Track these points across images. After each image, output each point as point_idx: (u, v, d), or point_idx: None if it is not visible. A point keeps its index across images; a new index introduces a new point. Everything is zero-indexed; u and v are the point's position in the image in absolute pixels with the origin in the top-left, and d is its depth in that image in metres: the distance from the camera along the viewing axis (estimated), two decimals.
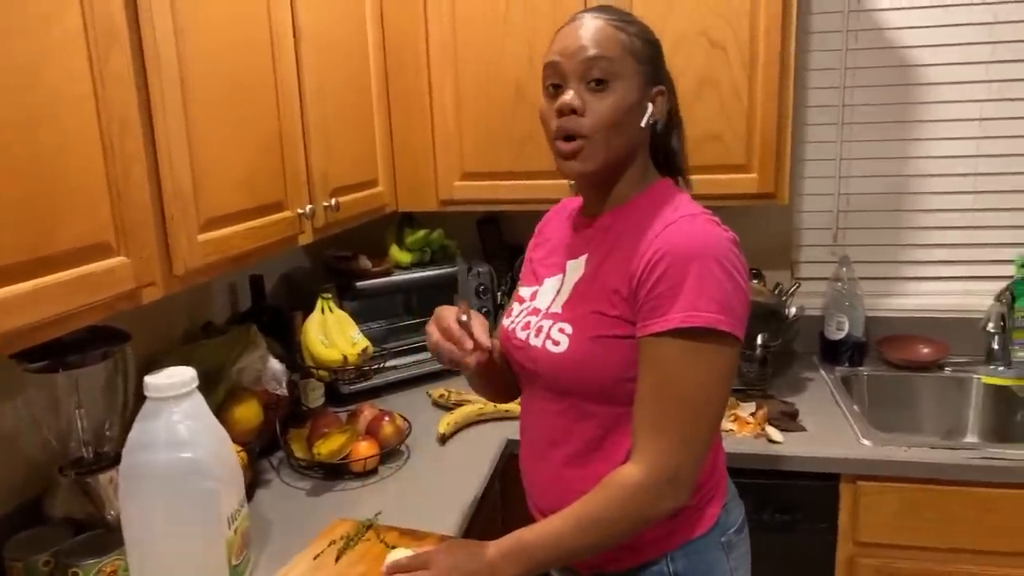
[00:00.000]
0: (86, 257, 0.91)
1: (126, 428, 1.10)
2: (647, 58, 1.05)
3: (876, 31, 2.01)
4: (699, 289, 0.94)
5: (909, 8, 1.98)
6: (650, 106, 1.06)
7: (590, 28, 1.03)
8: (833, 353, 2.06)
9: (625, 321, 1.01)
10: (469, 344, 1.06)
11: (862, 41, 2.02)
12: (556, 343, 1.06)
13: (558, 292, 1.12)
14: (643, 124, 1.05)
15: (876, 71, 2.03)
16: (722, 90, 1.73)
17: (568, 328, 1.06)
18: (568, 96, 1.02)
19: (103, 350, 1.15)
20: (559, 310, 1.09)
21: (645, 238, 1.01)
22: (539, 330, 1.10)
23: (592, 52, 1.01)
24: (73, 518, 1.17)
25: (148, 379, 1.07)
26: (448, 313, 1.11)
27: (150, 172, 1.03)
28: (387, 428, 1.60)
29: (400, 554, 1.10)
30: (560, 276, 1.13)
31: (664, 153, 1.14)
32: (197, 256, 1.12)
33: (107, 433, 1.21)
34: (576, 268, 1.11)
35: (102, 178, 0.93)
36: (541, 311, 1.13)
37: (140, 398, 1.09)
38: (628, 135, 1.05)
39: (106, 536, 1.11)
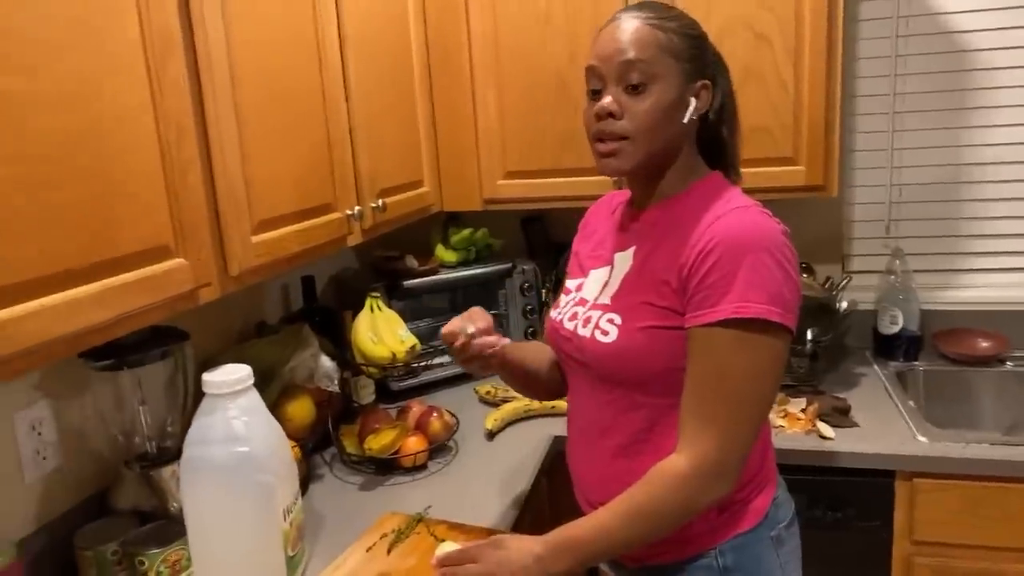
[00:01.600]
0: (147, 259, 0.95)
1: (186, 424, 1.14)
2: (688, 54, 1.04)
3: (928, 16, 1.96)
4: (750, 280, 0.95)
5: None
6: (693, 101, 1.05)
7: (627, 30, 1.03)
8: (887, 348, 2.01)
9: (674, 312, 1.02)
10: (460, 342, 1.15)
11: (913, 27, 1.97)
12: (605, 333, 1.07)
13: (606, 283, 1.13)
14: (685, 120, 1.05)
15: (928, 58, 1.97)
16: (768, 82, 1.71)
17: (617, 319, 1.07)
18: (606, 101, 1.03)
19: (163, 349, 1.19)
20: (608, 301, 1.10)
21: (696, 230, 1.01)
22: (587, 320, 1.11)
23: (628, 56, 1.02)
24: (139, 509, 1.22)
25: (206, 376, 1.11)
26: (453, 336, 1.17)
27: (205, 176, 1.07)
28: (436, 424, 1.62)
29: (449, 547, 1.12)
30: (608, 268, 1.14)
31: (715, 144, 1.13)
32: (251, 257, 1.15)
33: (168, 429, 1.25)
34: (624, 260, 1.12)
35: (161, 183, 0.98)
36: (588, 302, 1.14)
37: (199, 395, 1.14)
38: (668, 133, 1.05)
39: (169, 527, 1.15)
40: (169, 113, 0.98)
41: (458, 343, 1.15)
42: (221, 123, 1.09)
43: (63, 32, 0.82)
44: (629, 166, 1.05)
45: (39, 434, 1.19)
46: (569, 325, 1.15)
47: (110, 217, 0.89)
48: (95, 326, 0.87)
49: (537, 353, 1.32)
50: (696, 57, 1.06)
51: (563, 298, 1.21)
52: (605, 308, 1.10)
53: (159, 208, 0.97)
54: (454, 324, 1.17)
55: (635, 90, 1.02)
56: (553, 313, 1.21)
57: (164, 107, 0.97)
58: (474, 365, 1.20)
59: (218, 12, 1.08)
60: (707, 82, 1.07)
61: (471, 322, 1.17)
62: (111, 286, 0.89)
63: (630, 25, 1.03)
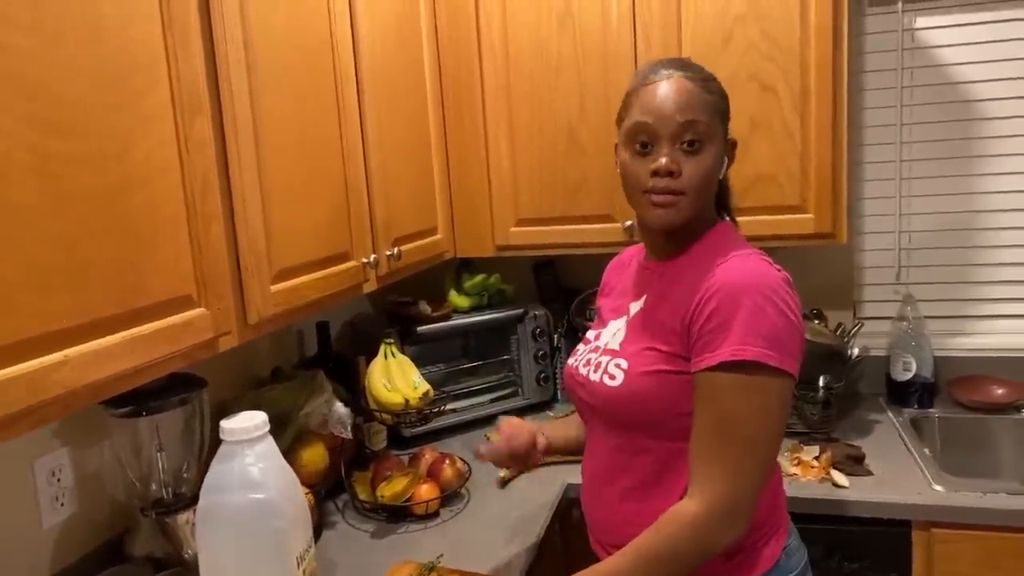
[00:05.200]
0: (170, 309, 0.98)
1: (202, 469, 1.16)
2: (726, 115, 1.10)
3: (932, 68, 1.99)
4: (748, 324, 0.97)
5: (965, 44, 1.96)
6: (726, 159, 1.10)
7: (682, 91, 1.05)
8: (900, 395, 2.00)
9: (679, 357, 1.04)
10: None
11: (918, 78, 2.01)
12: (612, 377, 1.10)
13: (619, 331, 1.16)
14: (721, 177, 1.10)
15: (934, 107, 2.01)
16: (774, 132, 1.74)
17: (624, 363, 1.09)
18: (665, 160, 1.05)
19: (182, 396, 1.21)
20: (616, 347, 1.13)
21: (699, 278, 1.04)
22: (598, 365, 1.14)
23: (687, 117, 1.05)
24: (153, 556, 1.23)
25: (224, 423, 1.12)
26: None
27: (227, 228, 1.11)
28: (448, 471, 1.63)
29: None
30: (624, 318, 1.17)
31: (720, 192, 1.17)
32: (269, 306, 1.18)
33: (184, 475, 1.27)
34: (636, 308, 1.15)
35: (185, 235, 1.01)
36: (601, 348, 1.17)
37: (215, 441, 1.15)
38: (713, 190, 1.10)
39: (184, 574, 1.16)
40: (195, 169, 1.02)
41: (502, 464, 1.30)
42: (244, 176, 1.13)
43: (99, 93, 0.86)
44: (682, 220, 1.08)
45: (58, 480, 1.21)
46: (583, 371, 1.18)
47: (137, 269, 0.92)
48: (119, 375, 0.89)
49: (580, 425, 1.35)
50: (728, 116, 1.11)
51: (580, 347, 1.25)
52: (614, 353, 1.13)
53: (183, 259, 1.00)
54: (491, 449, 1.31)
55: (690, 147, 1.05)
56: (570, 360, 1.24)
57: (190, 163, 1.01)
58: (527, 466, 1.36)
59: (244, 74, 1.12)
60: (735, 140, 1.12)
61: (505, 440, 1.30)
62: (136, 335, 0.91)
63: (683, 85, 1.05)
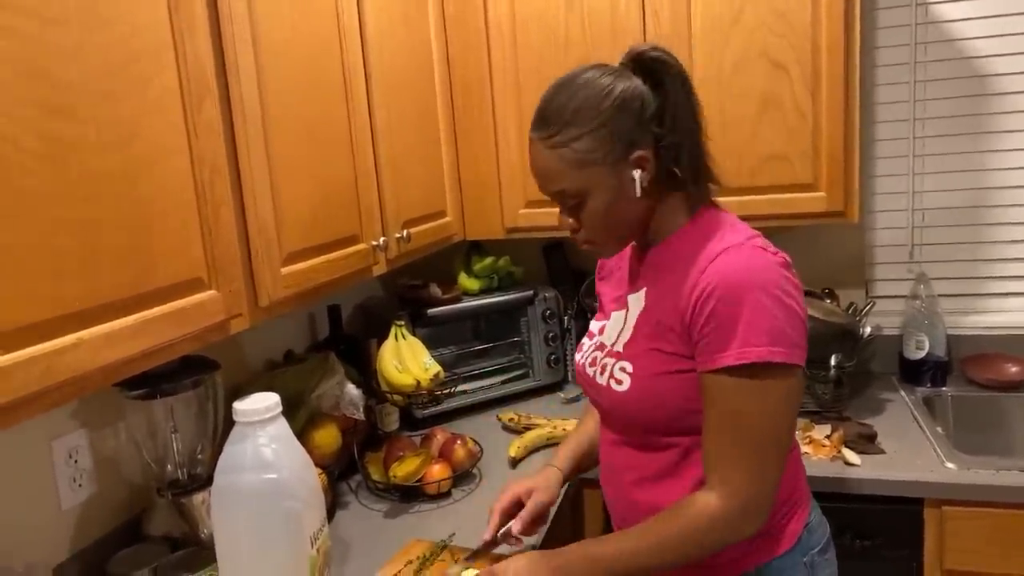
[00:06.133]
0: (181, 292, 0.99)
1: (216, 451, 1.17)
2: (603, 148, 1.00)
3: (946, 42, 1.96)
4: (750, 323, 0.95)
5: (979, 17, 1.93)
6: (637, 173, 1.02)
7: (538, 160, 1.04)
8: (913, 373, 1.99)
9: (682, 356, 1.03)
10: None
11: (931, 53, 1.98)
12: (619, 382, 1.09)
13: (622, 328, 1.14)
14: (639, 194, 1.03)
15: (947, 83, 1.98)
16: (785, 110, 1.73)
17: (629, 367, 1.08)
18: (560, 223, 1.10)
19: (195, 378, 1.23)
20: (621, 349, 1.12)
21: (692, 273, 1.01)
22: (603, 368, 1.13)
23: (554, 188, 1.05)
24: (170, 536, 1.25)
25: (237, 405, 1.13)
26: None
27: (237, 212, 1.12)
28: (459, 451, 1.64)
29: (460, 569, 1.13)
30: (623, 311, 1.15)
31: (684, 172, 1.05)
32: (280, 288, 1.19)
33: (199, 456, 1.28)
34: (636, 302, 1.13)
35: (195, 219, 1.02)
36: (606, 347, 1.15)
37: (228, 423, 1.16)
38: (629, 215, 1.06)
39: (200, 553, 1.18)
40: (204, 154, 1.03)
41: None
42: (253, 161, 1.13)
43: (107, 78, 0.87)
44: (610, 254, 1.13)
45: (75, 461, 1.23)
46: (590, 371, 1.17)
47: (147, 252, 0.93)
48: (131, 357, 0.91)
49: (591, 445, 1.34)
50: (614, 137, 1.00)
51: (586, 341, 1.23)
52: (618, 356, 1.11)
53: (193, 243, 1.01)
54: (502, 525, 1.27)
55: (575, 206, 1.05)
56: (577, 356, 1.24)
57: (199, 148, 1.02)
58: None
59: (250, 55, 1.13)
60: (642, 153, 1.01)
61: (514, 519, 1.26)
62: (147, 318, 0.92)
63: (540, 154, 1.04)
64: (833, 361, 1.77)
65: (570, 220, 1.08)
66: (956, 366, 2.00)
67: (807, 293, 1.95)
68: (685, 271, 1.02)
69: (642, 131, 1.01)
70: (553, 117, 1.02)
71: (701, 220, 1.08)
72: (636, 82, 1.02)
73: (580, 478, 1.63)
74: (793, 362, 0.97)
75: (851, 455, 1.59)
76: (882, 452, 1.62)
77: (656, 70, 1.03)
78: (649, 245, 1.12)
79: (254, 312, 1.16)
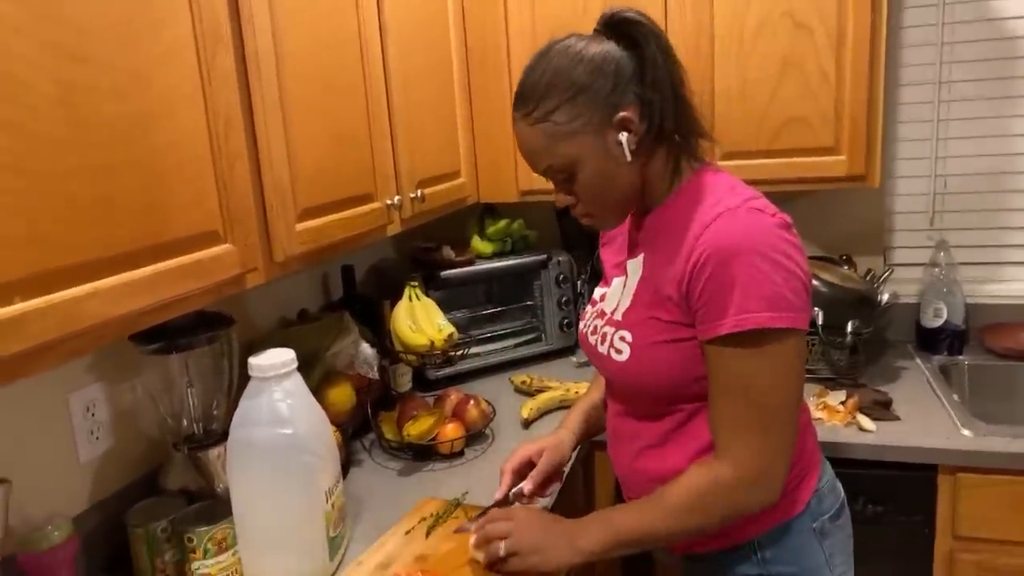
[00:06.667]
0: (197, 245, 0.98)
1: (231, 406, 1.18)
2: (583, 118, 0.99)
3: (974, 2, 1.91)
4: (746, 290, 0.93)
5: None
6: (624, 136, 1.00)
7: (523, 139, 1.04)
8: (930, 341, 1.98)
9: (681, 324, 1.01)
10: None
11: (960, 14, 1.93)
12: (619, 351, 1.08)
13: (621, 295, 1.13)
14: (629, 157, 1.01)
15: (976, 45, 1.93)
16: (807, 71, 1.69)
17: (628, 336, 1.07)
18: (557, 200, 1.09)
19: (210, 333, 1.23)
20: (620, 317, 1.10)
21: (687, 240, 0.98)
22: (604, 337, 1.12)
23: (542, 165, 1.04)
24: (187, 489, 1.26)
25: (252, 360, 1.14)
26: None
27: (251, 165, 1.10)
28: (473, 411, 1.64)
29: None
30: (623, 278, 1.14)
31: (670, 128, 1.04)
32: (295, 244, 1.18)
33: (214, 412, 1.29)
34: (635, 270, 1.11)
35: (210, 171, 1.01)
36: (607, 315, 1.14)
37: (243, 378, 1.17)
38: (621, 180, 1.03)
39: (216, 506, 1.19)
40: (218, 105, 1.01)
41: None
42: (267, 114, 1.12)
43: (119, 24, 0.85)
44: (612, 225, 1.11)
45: (92, 415, 1.24)
46: (592, 339, 1.16)
47: (162, 203, 0.92)
48: (146, 308, 0.90)
49: (598, 410, 1.35)
50: (593, 103, 0.99)
51: (588, 309, 1.22)
52: (618, 325, 1.10)
53: (208, 195, 1.00)
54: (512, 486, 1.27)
55: (567, 179, 1.04)
56: (581, 324, 1.23)
57: (213, 99, 1.00)
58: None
59: (266, 7, 1.11)
60: (624, 114, 0.99)
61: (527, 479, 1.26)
62: (163, 270, 0.92)
63: (521, 132, 1.04)
64: (849, 328, 1.75)
65: (566, 196, 1.07)
66: (973, 335, 1.98)
67: (823, 259, 1.94)
68: (682, 237, 1.00)
69: (622, 92, 0.99)
70: (529, 93, 1.02)
71: (699, 183, 1.04)
72: (609, 45, 1.01)
73: (592, 441, 1.64)
74: (794, 327, 0.95)
75: (866, 421, 1.58)
76: (897, 419, 1.61)
77: (629, 32, 1.01)
78: (647, 210, 1.09)
79: (269, 267, 1.16)
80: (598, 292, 1.22)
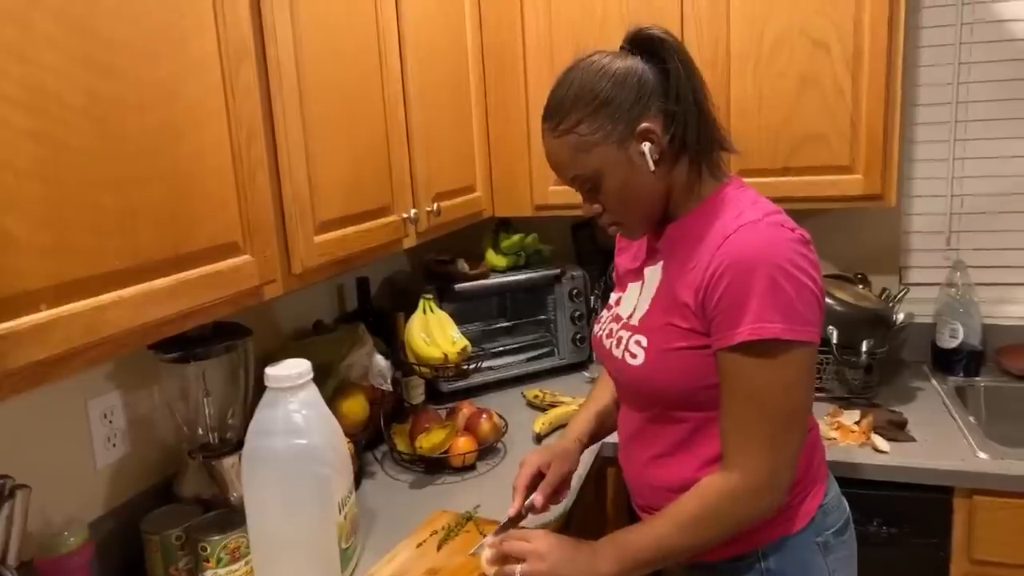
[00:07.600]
0: (217, 255, 0.99)
1: (247, 416, 1.19)
2: (605, 130, 1.02)
3: (993, 23, 1.91)
4: (763, 301, 0.95)
5: None
6: (646, 146, 1.02)
7: (550, 151, 1.07)
8: (946, 362, 1.96)
9: (697, 333, 1.02)
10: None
11: (977, 35, 1.92)
12: (633, 356, 1.09)
13: (638, 300, 1.14)
14: (652, 168, 1.03)
15: (993, 66, 1.92)
16: (825, 89, 1.69)
17: (644, 340, 1.08)
18: (583, 210, 1.10)
19: (227, 343, 1.24)
20: (636, 322, 1.12)
21: (707, 250, 1.01)
22: (619, 341, 1.13)
23: (569, 175, 1.07)
24: (201, 498, 1.26)
25: (269, 370, 1.15)
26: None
27: (272, 177, 1.12)
28: (485, 425, 1.64)
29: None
30: (640, 283, 1.15)
31: (692, 140, 1.05)
32: (313, 256, 1.19)
33: (230, 421, 1.30)
34: (653, 276, 1.12)
35: (232, 182, 1.02)
36: (622, 319, 1.16)
37: (259, 389, 1.18)
38: (648, 191, 1.06)
39: (230, 515, 1.19)
40: (241, 117, 1.03)
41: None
42: (288, 126, 1.14)
43: (148, 38, 0.87)
44: (639, 233, 1.12)
45: (110, 422, 1.25)
46: (607, 343, 1.17)
47: (185, 214, 0.93)
48: (169, 318, 0.91)
49: (605, 408, 1.34)
50: (616, 115, 1.02)
51: (604, 313, 1.24)
52: (634, 329, 1.11)
53: (230, 206, 1.01)
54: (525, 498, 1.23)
55: (592, 190, 1.07)
56: (596, 328, 1.24)
57: (236, 111, 1.02)
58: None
59: (288, 22, 1.13)
60: (646, 125, 1.01)
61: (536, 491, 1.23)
62: (184, 280, 0.93)
63: (549, 144, 1.07)
64: (864, 347, 1.74)
65: (592, 205, 1.09)
66: (990, 356, 1.96)
67: (839, 277, 1.94)
68: (702, 247, 1.02)
69: (645, 105, 1.02)
70: (556, 106, 1.05)
71: (722, 196, 1.07)
72: (633, 60, 1.04)
73: (602, 457, 1.64)
74: (806, 339, 0.97)
75: (880, 442, 1.57)
76: (912, 440, 1.60)
77: (654, 47, 1.04)
78: (669, 219, 1.11)
79: (287, 279, 1.17)
80: (613, 297, 1.24)
